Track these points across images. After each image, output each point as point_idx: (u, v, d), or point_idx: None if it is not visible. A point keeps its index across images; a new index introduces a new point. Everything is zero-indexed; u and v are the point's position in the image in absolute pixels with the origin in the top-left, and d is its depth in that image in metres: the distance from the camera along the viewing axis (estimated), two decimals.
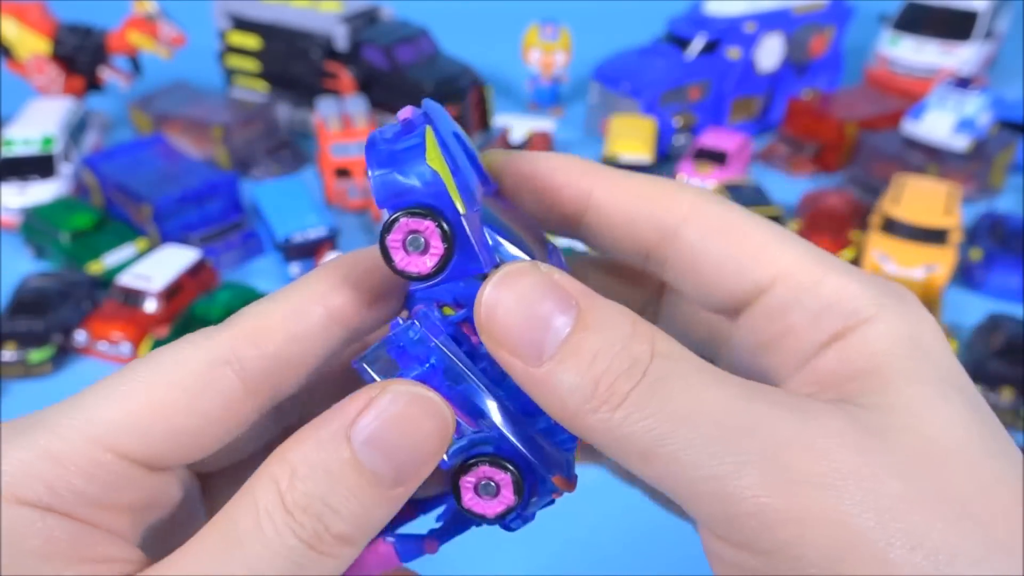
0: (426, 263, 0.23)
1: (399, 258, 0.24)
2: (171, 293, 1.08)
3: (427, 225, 0.23)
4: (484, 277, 0.23)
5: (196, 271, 1.12)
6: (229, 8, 1.56)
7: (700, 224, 0.25)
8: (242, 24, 1.56)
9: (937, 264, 1.13)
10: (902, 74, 1.68)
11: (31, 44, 1.53)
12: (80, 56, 1.55)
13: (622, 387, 0.21)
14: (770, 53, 1.53)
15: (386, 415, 0.21)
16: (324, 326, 0.24)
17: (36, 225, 1.22)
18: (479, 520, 0.25)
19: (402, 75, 1.44)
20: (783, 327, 0.24)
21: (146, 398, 0.22)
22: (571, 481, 0.24)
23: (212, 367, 0.23)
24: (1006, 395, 0.94)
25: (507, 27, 1.72)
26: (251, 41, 1.56)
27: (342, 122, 1.37)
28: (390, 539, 0.25)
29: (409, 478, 0.22)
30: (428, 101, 0.26)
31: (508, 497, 0.24)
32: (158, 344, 1.01)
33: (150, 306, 1.07)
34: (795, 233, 0.25)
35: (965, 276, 1.17)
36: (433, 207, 0.24)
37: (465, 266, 0.23)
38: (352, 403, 0.21)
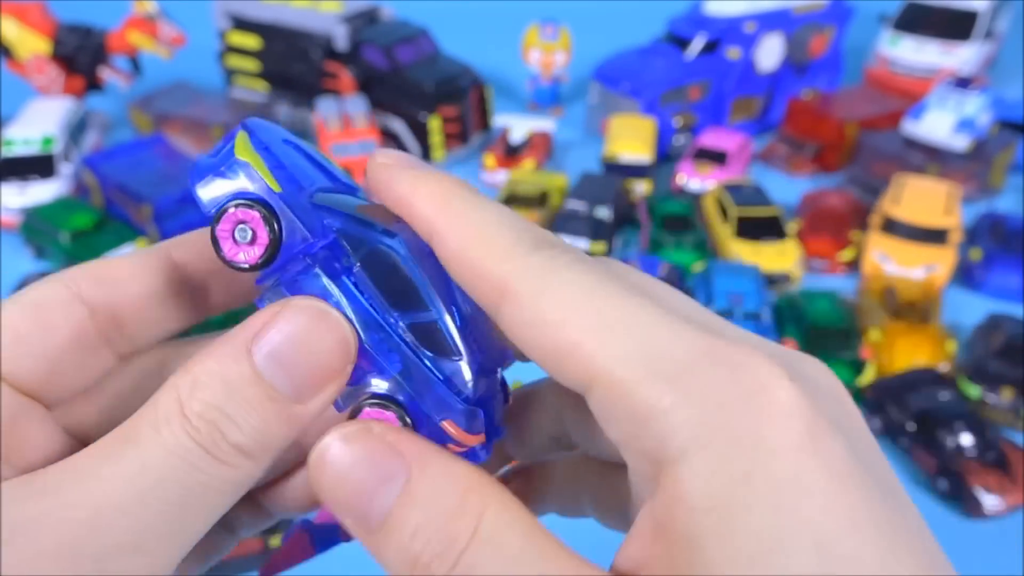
0: (255, 252, 0.24)
1: (227, 248, 0.24)
2: None
3: (252, 215, 0.24)
4: (324, 249, 0.23)
5: None
6: (229, 8, 1.56)
7: (518, 309, 0.21)
8: (242, 24, 1.56)
9: (937, 264, 1.13)
10: (902, 74, 1.68)
11: (31, 44, 1.53)
12: (80, 56, 1.55)
13: (436, 570, 0.20)
14: (770, 53, 1.53)
15: (287, 329, 0.21)
16: (166, 271, 0.26)
17: (36, 225, 1.22)
18: None
19: (402, 75, 1.44)
20: (616, 438, 0.20)
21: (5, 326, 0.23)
22: (471, 432, 0.23)
23: (62, 301, 0.24)
24: (1006, 395, 0.93)
25: (507, 27, 1.72)
26: (251, 41, 1.56)
27: (342, 122, 1.37)
28: (304, 527, 0.25)
29: (309, 396, 0.21)
30: (249, 119, 0.26)
31: None
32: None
33: None
34: (639, 292, 0.20)
35: (965, 276, 1.17)
36: (257, 197, 0.24)
37: (296, 246, 0.24)
38: (256, 318, 0.22)
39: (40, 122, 1.38)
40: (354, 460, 0.21)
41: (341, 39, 1.46)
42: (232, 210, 0.24)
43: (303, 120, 1.55)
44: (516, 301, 0.21)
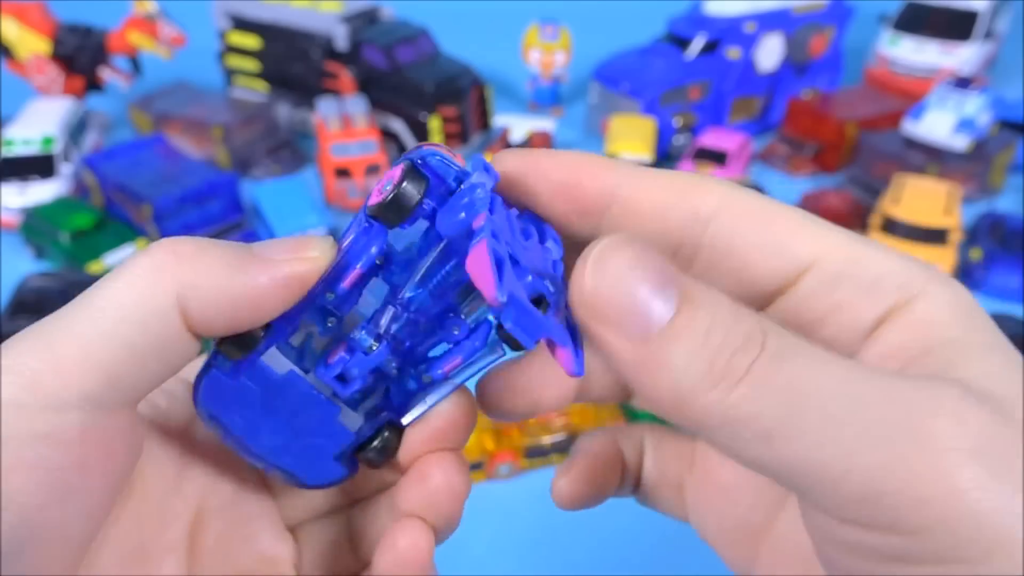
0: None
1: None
2: None
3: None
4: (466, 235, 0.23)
5: None
6: (229, 8, 1.56)
7: (732, 212, 0.24)
8: (242, 24, 1.56)
9: (937, 264, 1.13)
10: (902, 74, 1.68)
11: (31, 44, 1.53)
12: (80, 56, 1.55)
13: (741, 362, 0.20)
14: (770, 53, 1.53)
15: None
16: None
17: (36, 225, 1.22)
18: None
19: (402, 75, 1.44)
20: (830, 304, 0.23)
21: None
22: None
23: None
24: None
25: (507, 27, 1.72)
26: (251, 41, 1.56)
27: (342, 122, 1.37)
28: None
29: (274, 260, 0.25)
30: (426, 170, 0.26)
31: None
32: None
33: None
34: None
35: (965, 276, 1.17)
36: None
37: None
38: None
39: (40, 122, 1.38)
40: (631, 263, 0.21)
41: (341, 39, 1.46)
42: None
43: (303, 120, 1.55)
44: (738, 204, 0.25)
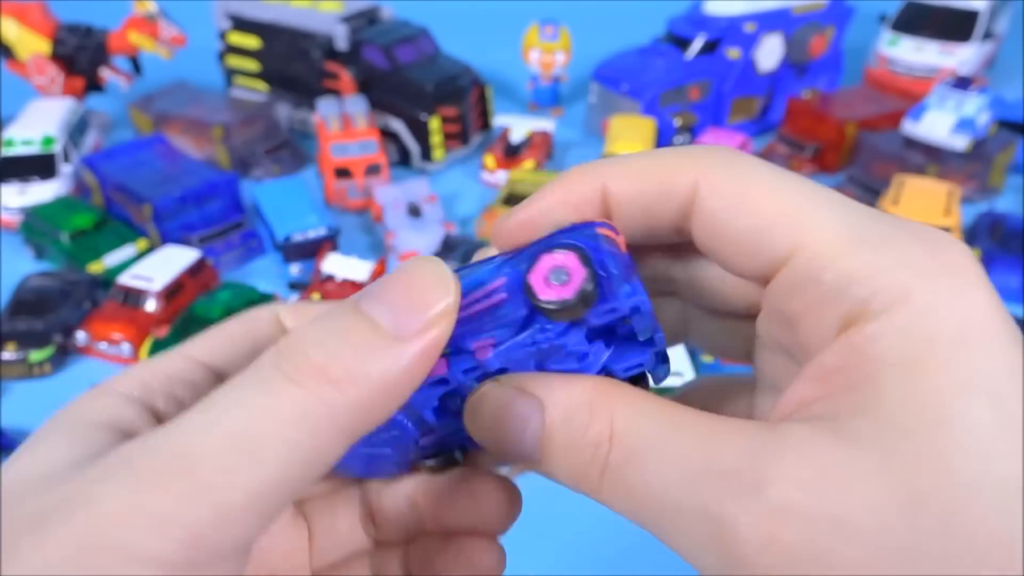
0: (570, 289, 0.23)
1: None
2: (171, 293, 1.08)
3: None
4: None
5: (196, 271, 1.12)
6: (229, 8, 1.56)
7: (711, 194, 0.23)
8: (242, 24, 1.56)
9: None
10: (902, 74, 1.68)
11: (31, 44, 1.53)
12: (80, 56, 1.55)
13: (593, 474, 0.22)
14: (770, 53, 1.53)
15: (387, 274, 0.21)
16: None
17: (36, 225, 1.22)
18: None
19: (402, 75, 1.44)
20: (800, 306, 0.21)
21: None
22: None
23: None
24: None
25: (507, 27, 1.72)
26: (251, 41, 1.56)
27: (342, 122, 1.37)
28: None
29: (410, 328, 0.20)
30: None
31: None
32: (158, 344, 1.01)
33: (150, 306, 1.07)
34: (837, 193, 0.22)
35: None
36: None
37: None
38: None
39: (40, 122, 1.38)
40: (493, 415, 0.23)
41: (341, 39, 1.46)
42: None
43: (303, 120, 1.55)
44: (713, 187, 0.23)
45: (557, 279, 0.22)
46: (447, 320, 0.21)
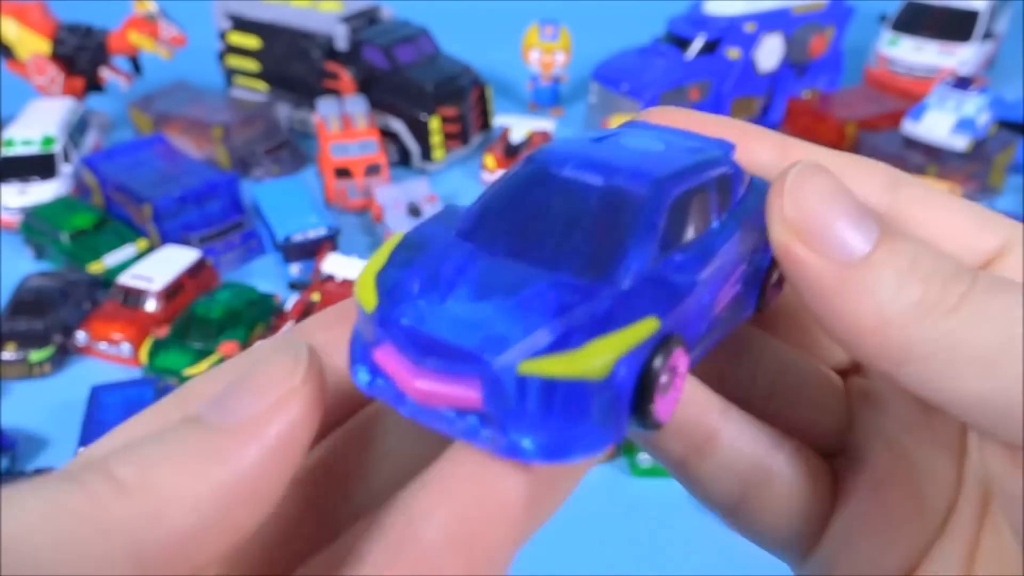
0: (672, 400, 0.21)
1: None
2: (171, 293, 1.08)
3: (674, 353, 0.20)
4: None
5: (196, 271, 1.12)
6: (229, 8, 1.56)
7: (913, 207, 0.24)
8: (242, 24, 1.56)
9: None
10: (902, 74, 1.68)
11: (31, 44, 1.53)
12: (80, 56, 1.55)
13: (954, 290, 0.19)
14: (770, 53, 1.53)
15: None
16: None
17: (36, 225, 1.22)
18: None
19: (402, 75, 1.44)
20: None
21: None
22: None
23: None
24: None
25: (507, 27, 1.72)
26: (251, 41, 1.56)
27: (342, 122, 1.37)
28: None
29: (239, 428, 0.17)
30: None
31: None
32: (158, 344, 1.01)
33: (150, 306, 1.07)
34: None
35: None
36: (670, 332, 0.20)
37: None
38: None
39: (40, 122, 1.38)
40: (834, 186, 0.20)
41: (341, 39, 1.46)
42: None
43: (303, 120, 1.55)
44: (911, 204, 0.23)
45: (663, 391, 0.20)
46: (310, 394, 0.18)
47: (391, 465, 0.23)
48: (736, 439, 0.26)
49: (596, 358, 0.18)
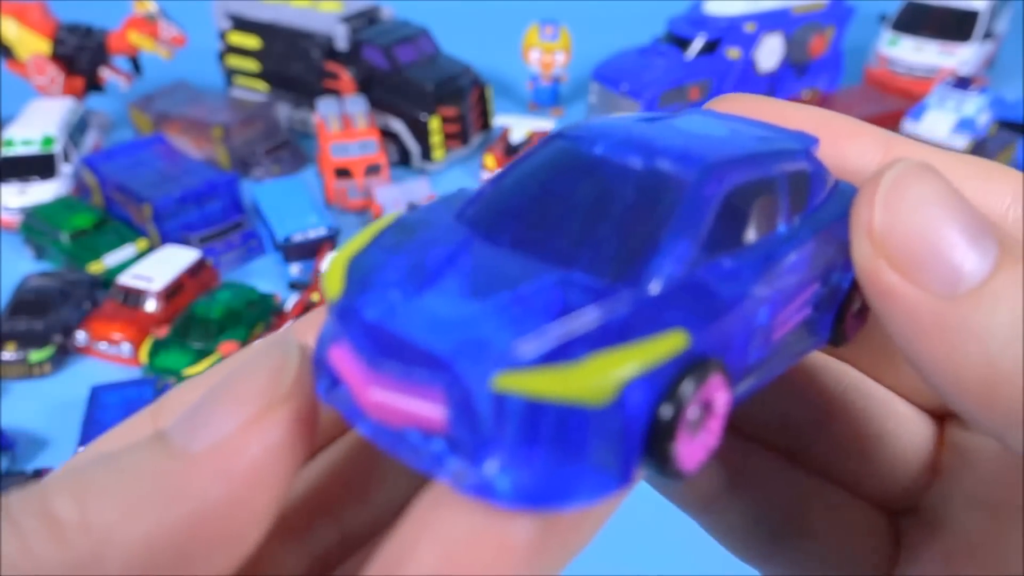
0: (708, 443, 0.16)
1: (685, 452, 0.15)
2: (171, 293, 1.08)
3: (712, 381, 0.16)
4: None
5: (196, 271, 1.12)
6: (229, 8, 1.56)
7: None
8: (242, 24, 1.56)
9: None
10: (902, 74, 1.68)
11: (31, 44, 1.53)
12: (80, 56, 1.55)
13: None
14: (770, 53, 1.53)
15: None
16: None
17: (36, 225, 1.22)
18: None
19: (402, 75, 1.44)
20: None
21: None
22: None
23: None
24: None
25: (507, 27, 1.72)
26: (251, 41, 1.56)
27: (342, 122, 1.37)
28: None
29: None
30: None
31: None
32: (158, 344, 1.01)
33: (150, 306, 1.07)
34: None
35: None
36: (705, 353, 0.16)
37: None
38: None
39: (40, 122, 1.38)
40: (940, 199, 0.16)
41: (341, 39, 1.46)
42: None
43: (303, 120, 1.55)
44: None
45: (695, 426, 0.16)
46: (296, 399, 0.15)
47: (396, 484, 0.20)
48: (762, 488, 0.22)
49: (599, 377, 0.14)
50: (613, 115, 0.20)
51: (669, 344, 0.14)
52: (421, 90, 1.42)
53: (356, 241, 0.18)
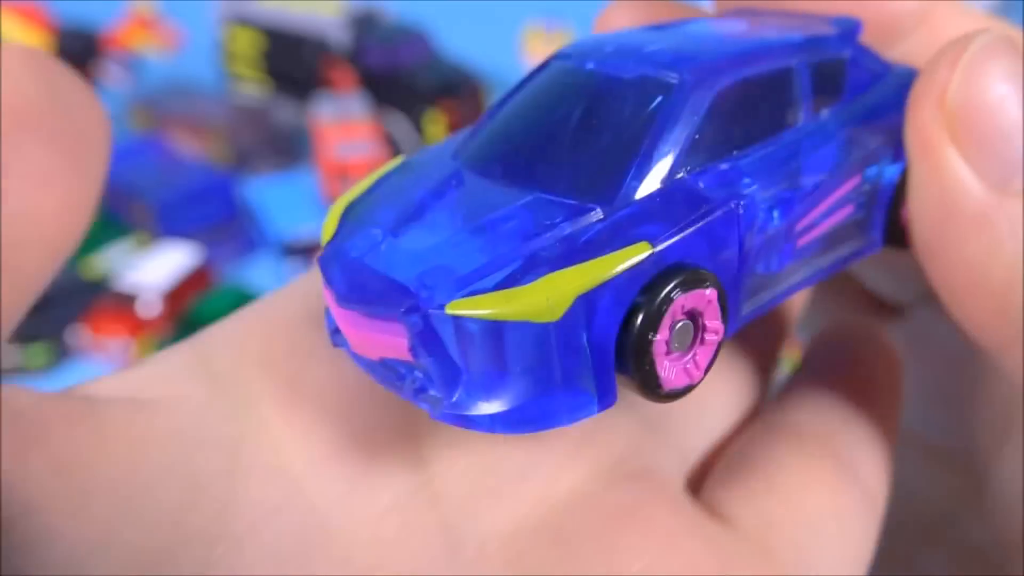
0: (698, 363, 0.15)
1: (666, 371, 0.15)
2: (170, 293, 1.08)
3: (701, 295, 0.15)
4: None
5: (195, 271, 1.12)
6: (229, 8, 1.56)
7: None
8: (242, 24, 1.56)
9: None
10: None
11: (31, 43, 1.53)
12: (80, 56, 1.55)
13: None
14: None
15: None
16: None
17: None
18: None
19: (402, 75, 1.44)
20: None
21: None
22: None
23: None
24: None
25: (507, 27, 1.72)
26: (251, 41, 1.56)
27: (341, 122, 1.37)
28: None
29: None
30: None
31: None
32: (157, 344, 1.01)
33: (148, 306, 1.06)
34: None
35: None
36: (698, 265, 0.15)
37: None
38: None
39: None
40: (1018, 78, 0.15)
41: (341, 39, 1.46)
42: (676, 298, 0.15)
43: (302, 120, 1.55)
44: None
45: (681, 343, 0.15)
46: None
47: None
48: None
49: (546, 293, 0.13)
50: (621, 30, 0.20)
51: (628, 256, 0.14)
52: (421, 90, 1.42)
53: (357, 187, 0.18)
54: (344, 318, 0.15)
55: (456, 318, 0.13)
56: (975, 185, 0.14)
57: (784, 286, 0.17)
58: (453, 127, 1.46)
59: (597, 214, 0.15)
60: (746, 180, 0.16)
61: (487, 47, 1.74)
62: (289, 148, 1.49)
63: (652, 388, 0.15)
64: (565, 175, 0.15)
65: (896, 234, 0.19)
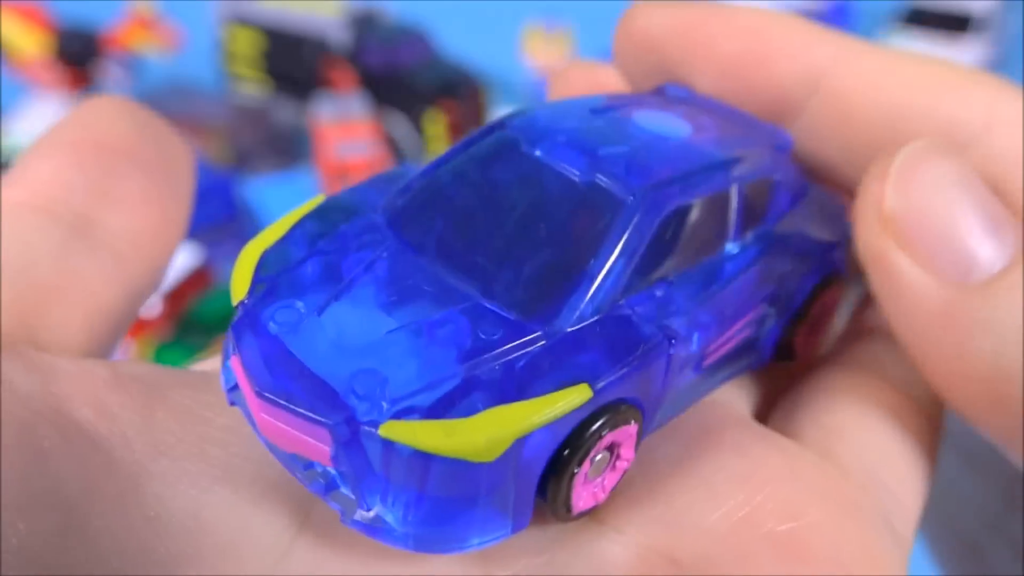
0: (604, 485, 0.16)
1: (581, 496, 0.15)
2: (170, 293, 1.08)
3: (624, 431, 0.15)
4: None
5: (195, 271, 1.12)
6: (229, 8, 1.56)
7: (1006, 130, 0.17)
8: (242, 24, 1.56)
9: None
10: None
11: (31, 44, 1.53)
12: (80, 56, 1.55)
13: None
14: None
15: None
16: None
17: None
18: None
19: (402, 75, 1.44)
20: None
21: None
22: None
23: None
24: None
25: (507, 27, 1.72)
26: (251, 41, 1.56)
27: (341, 122, 1.37)
28: None
29: None
30: None
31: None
32: (159, 347, 1.01)
33: (148, 306, 1.06)
34: None
35: None
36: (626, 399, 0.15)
37: None
38: None
39: (40, 122, 1.38)
40: (957, 186, 0.15)
41: (341, 39, 1.46)
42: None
43: (303, 120, 1.55)
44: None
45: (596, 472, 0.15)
46: None
47: None
48: None
49: (486, 434, 0.13)
50: (566, 101, 0.19)
51: (569, 398, 0.14)
52: (421, 90, 1.42)
53: (273, 230, 0.17)
54: (259, 406, 0.14)
55: (389, 440, 0.13)
56: (932, 285, 0.15)
57: (687, 400, 0.18)
58: (453, 127, 1.46)
59: (538, 336, 0.14)
60: (675, 307, 0.16)
61: (487, 47, 1.74)
62: (289, 148, 1.49)
63: (563, 511, 0.15)
64: (505, 279, 0.15)
65: (783, 350, 0.20)
